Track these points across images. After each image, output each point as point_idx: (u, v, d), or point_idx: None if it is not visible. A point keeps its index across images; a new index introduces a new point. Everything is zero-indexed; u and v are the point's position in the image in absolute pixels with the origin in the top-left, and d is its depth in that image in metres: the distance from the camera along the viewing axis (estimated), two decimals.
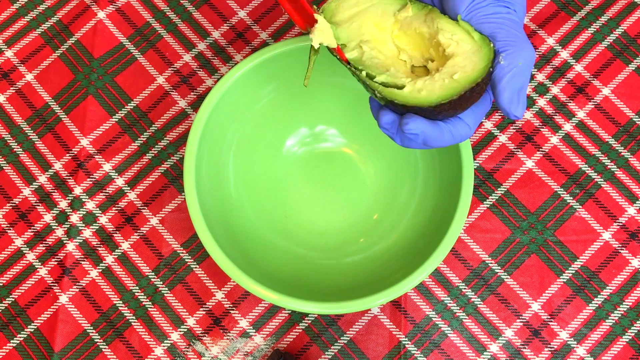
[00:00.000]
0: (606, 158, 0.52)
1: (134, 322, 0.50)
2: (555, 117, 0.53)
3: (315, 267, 0.48)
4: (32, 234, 0.52)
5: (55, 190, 0.52)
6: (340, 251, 0.50)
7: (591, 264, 0.50)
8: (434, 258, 0.42)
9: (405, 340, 0.49)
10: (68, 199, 0.52)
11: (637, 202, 0.51)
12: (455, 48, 0.35)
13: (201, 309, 0.50)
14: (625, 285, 0.50)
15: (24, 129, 0.54)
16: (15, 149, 0.53)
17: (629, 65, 0.54)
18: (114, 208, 0.52)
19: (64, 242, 0.51)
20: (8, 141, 0.54)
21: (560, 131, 0.52)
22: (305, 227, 0.50)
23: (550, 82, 0.53)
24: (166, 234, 0.51)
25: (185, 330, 0.50)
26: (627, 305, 0.49)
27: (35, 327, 0.50)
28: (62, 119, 0.54)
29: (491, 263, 0.50)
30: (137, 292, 0.51)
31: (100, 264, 0.51)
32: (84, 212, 0.52)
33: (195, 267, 0.51)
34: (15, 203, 0.52)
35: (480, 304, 0.50)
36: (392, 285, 0.42)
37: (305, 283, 0.47)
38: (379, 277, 0.45)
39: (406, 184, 0.50)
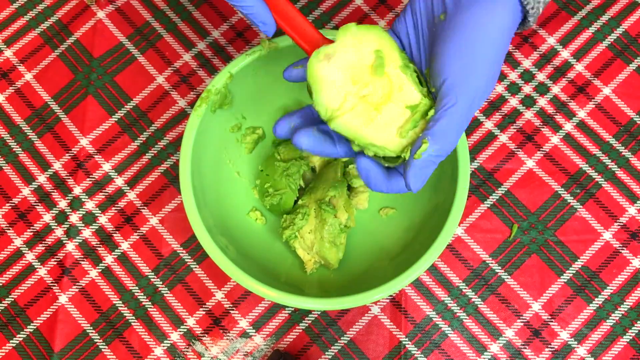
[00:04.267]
0: (607, 158, 0.52)
1: (134, 322, 0.50)
2: (555, 116, 0.53)
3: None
4: (31, 233, 0.52)
5: (55, 190, 0.52)
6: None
7: (592, 264, 0.50)
8: (430, 253, 0.42)
9: (406, 340, 0.49)
10: (67, 199, 0.52)
11: (637, 202, 0.51)
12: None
13: (201, 309, 0.50)
14: (626, 285, 0.50)
15: (23, 128, 0.54)
16: (14, 149, 0.53)
17: (630, 65, 0.53)
18: (113, 208, 0.52)
19: (64, 242, 0.51)
20: (7, 141, 0.53)
21: (560, 131, 0.52)
22: None
23: (551, 82, 0.53)
24: (166, 234, 0.51)
25: (185, 330, 0.50)
26: (628, 305, 0.49)
27: (35, 327, 0.50)
28: (62, 118, 0.54)
29: (491, 263, 0.50)
30: (137, 292, 0.50)
31: (100, 264, 0.51)
32: (84, 212, 0.52)
33: (195, 267, 0.51)
34: (14, 203, 0.52)
35: (480, 304, 0.49)
36: (389, 281, 0.42)
37: (303, 281, 0.47)
38: (377, 275, 0.45)
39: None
